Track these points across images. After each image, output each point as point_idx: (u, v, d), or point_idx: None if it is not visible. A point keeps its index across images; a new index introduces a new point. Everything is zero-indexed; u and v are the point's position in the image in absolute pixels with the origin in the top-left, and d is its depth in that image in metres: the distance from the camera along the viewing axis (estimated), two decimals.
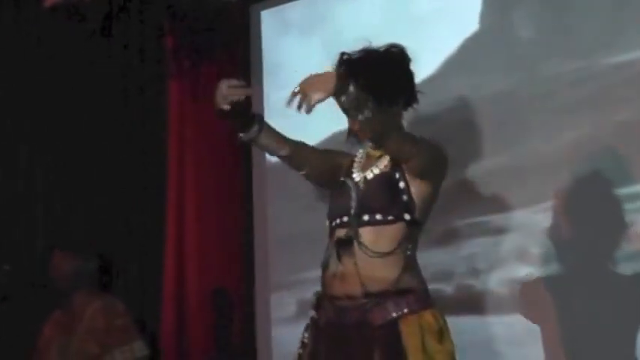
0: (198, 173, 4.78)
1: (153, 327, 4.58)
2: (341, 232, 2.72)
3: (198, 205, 4.75)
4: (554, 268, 3.57)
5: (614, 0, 3.59)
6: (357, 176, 2.78)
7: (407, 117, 2.81)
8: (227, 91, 2.63)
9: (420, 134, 2.70)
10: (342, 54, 2.70)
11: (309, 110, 2.49)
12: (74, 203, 4.81)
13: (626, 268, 3.40)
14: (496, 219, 3.70)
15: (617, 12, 3.54)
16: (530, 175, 3.63)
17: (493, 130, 3.74)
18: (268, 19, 4.71)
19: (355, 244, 2.67)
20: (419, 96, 2.79)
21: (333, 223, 2.76)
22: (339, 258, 2.69)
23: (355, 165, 2.83)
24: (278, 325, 4.46)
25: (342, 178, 2.81)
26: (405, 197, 2.69)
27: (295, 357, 2.80)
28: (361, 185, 2.75)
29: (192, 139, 4.80)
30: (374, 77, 2.62)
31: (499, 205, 3.68)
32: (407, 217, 2.68)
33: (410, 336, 2.60)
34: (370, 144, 2.77)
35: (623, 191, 3.42)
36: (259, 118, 2.77)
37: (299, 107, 2.49)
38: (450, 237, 3.79)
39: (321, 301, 2.76)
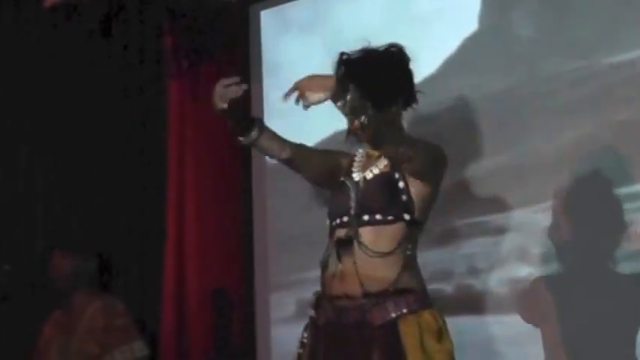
0: (198, 173, 4.78)
1: (153, 327, 4.59)
2: (341, 232, 2.72)
3: (198, 205, 4.75)
4: (554, 268, 3.57)
5: (614, 0, 3.58)
6: (356, 176, 2.78)
7: (407, 117, 2.81)
8: (223, 90, 2.63)
9: (420, 134, 2.70)
10: (342, 54, 2.70)
11: (306, 107, 2.49)
12: (74, 203, 4.81)
13: (626, 268, 3.40)
14: (496, 219, 3.70)
15: (617, 12, 3.54)
16: (530, 174, 3.63)
17: (493, 130, 3.74)
18: (268, 18, 4.71)
19: (355, 244, 2.67)
20: (419, 96, 2.78)
21: (333, 223, 2.76)
22: (338, 258, 2.69)
23: (355, 165, 2.83)
24: (277, 325, 4.46)
25: (342, 178, 2.81)
26: (404, 197, 2.69)
27: (295, 357, 2.80)
28: (361, 185, 2.75)
29: (192, 139, 4.80)
30: (373, 82, 2.61)
31: (499, 204, 3.67)
32: (407, 217, 2.68)
33: (409, 336, 2.59)
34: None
35: (623, 191, 3.42)
36: (259, 122, 2.77)
37: (297, 102, 2.50)
38: (449, 237, 3.78)
39: (321, 300, 2.76)
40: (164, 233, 4.75)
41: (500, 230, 3.70)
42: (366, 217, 2.68)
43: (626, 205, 3.40)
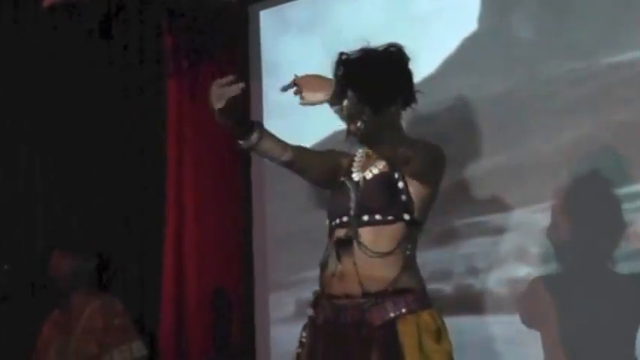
0: (197, 173, 4.77)
1: (152, 327, 4.59)
2: (341, 232, 2.72)
3: (197, 205, 4.74)
4: (553, 268, 3.57)
5: (614, 0, 3.59)
6: (356, 176, 2.78)
7: (406, 117, 2.81)
8: (220, 90, 2.63)
9: (419, 134, 2.70)
10: (341, 54, 2.70)
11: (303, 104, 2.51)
12: (74, 203, 4.80)
13: (624, 268, 3.40)
14: (495, 219, 3.70)
15: (616, 13, 3.54)
16: (529, 174, 3.63)
17: (492, 130, 3.74)
18: (267, 18, 4.71)
19: (355, 244, 2.67)
20: (418, 96, 2.79)
21: (333, 223, 2.77)
22: (338, 258, 2.69)
23: (355, 165, 2.83)
24: (277, 325, 4.46)
25: (342, 179, 2.81)
26: (404, 197, 2.69)
27: (294, 357, 2.80)
28: (360, 185, 2.75)
29: (191, 139, 4.80)
30: (372, 83, 2.61)
31: (498, 204, 3.68)
32: (406, 217, 2.68)
33: (407, 335, 2.60)
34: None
35: (622, 191, 3.42)
36: (259, 125, 2.76)
37: (295, 94, 2.51)
38: (449, 237, 3.79)
39: (319, 299, 2.76)
40: (163, 233, 4.75)
41: (500, 230, 3.70)
42: (365, 218, 2.69)
43: (625, 205, 3.40)
